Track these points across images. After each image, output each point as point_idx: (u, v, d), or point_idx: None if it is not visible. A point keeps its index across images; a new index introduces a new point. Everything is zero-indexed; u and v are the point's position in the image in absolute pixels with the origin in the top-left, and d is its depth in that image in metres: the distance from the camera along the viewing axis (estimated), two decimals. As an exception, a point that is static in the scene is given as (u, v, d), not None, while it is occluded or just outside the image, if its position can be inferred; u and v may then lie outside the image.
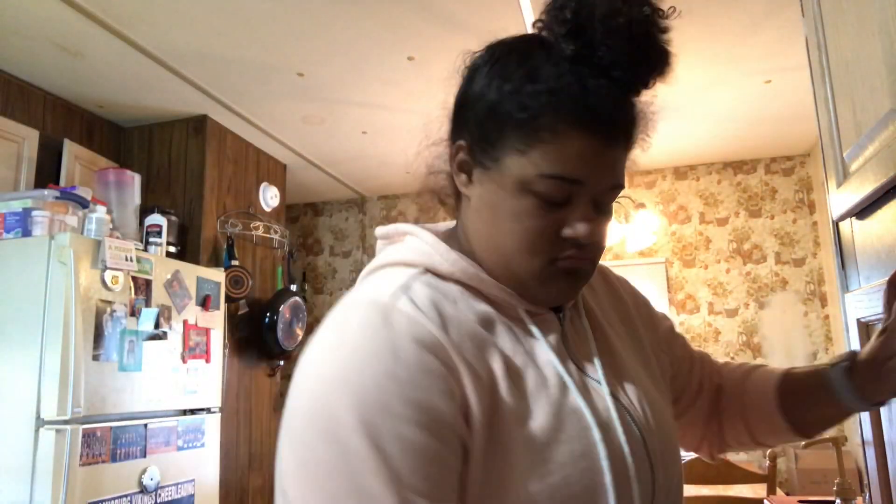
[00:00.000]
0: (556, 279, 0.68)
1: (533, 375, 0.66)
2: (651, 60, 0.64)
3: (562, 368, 0.67)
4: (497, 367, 0.63)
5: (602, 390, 0.69)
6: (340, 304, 0.66)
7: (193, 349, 2.74)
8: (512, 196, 0.66)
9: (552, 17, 0.65)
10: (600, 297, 0.84)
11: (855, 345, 1.02)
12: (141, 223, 2.95)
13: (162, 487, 2.45)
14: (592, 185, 0.65)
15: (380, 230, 0.78)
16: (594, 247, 0.68)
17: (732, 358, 4.26)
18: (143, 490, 2.37)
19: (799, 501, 2.13)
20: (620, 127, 0.65)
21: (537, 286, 0.68)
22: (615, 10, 0.62)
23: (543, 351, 0.68)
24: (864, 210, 0.98)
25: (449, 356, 0.60)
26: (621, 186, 0.68)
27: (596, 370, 0.71)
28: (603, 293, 0.85)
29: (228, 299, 3.30)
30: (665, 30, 0.64)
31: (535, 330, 0.69)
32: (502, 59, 0.67)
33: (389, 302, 0.62)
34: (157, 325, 2.52)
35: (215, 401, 2.85)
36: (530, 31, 0.69)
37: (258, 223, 3.79)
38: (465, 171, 0.71)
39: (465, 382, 0.59)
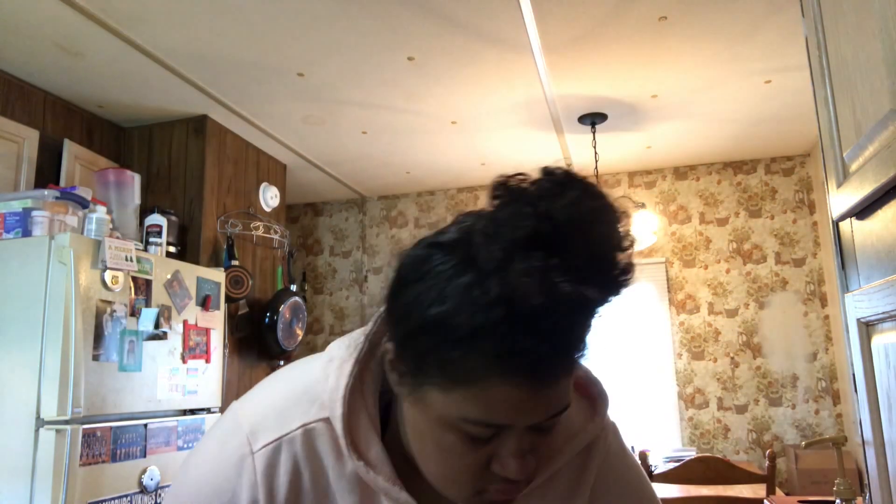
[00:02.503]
0: None
1: None
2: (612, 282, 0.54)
3: None
4: None
5: None
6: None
7: (193, 349, 2.74)
8: (435, 428, 0.58)
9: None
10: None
11: (855, 345, 1.02)
12: (141, 223, 2.95)
13: (162, 487, 2.45)
14: (524, 423, 0.56)
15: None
16: (526, 480, 0.60)
17: (733, 358, 4.27)
18: (143, 490, 2.37)
19: (799, 501, 2.13)
20: (560, 367, 0.55)
21: None
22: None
23: None
24: (864, 210, 0.98)
25: None
26: (565, 409, 0.58)
27: None
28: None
29: (228, 299, 3.30)
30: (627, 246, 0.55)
31: None
32: (423, 279, 0.55)
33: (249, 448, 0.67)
34: (157, 325, 2.52)
35: (215, 401, 2.85)
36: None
37: (258, 223, 3.79)
38: (396, 371, 0.61)
39: None
